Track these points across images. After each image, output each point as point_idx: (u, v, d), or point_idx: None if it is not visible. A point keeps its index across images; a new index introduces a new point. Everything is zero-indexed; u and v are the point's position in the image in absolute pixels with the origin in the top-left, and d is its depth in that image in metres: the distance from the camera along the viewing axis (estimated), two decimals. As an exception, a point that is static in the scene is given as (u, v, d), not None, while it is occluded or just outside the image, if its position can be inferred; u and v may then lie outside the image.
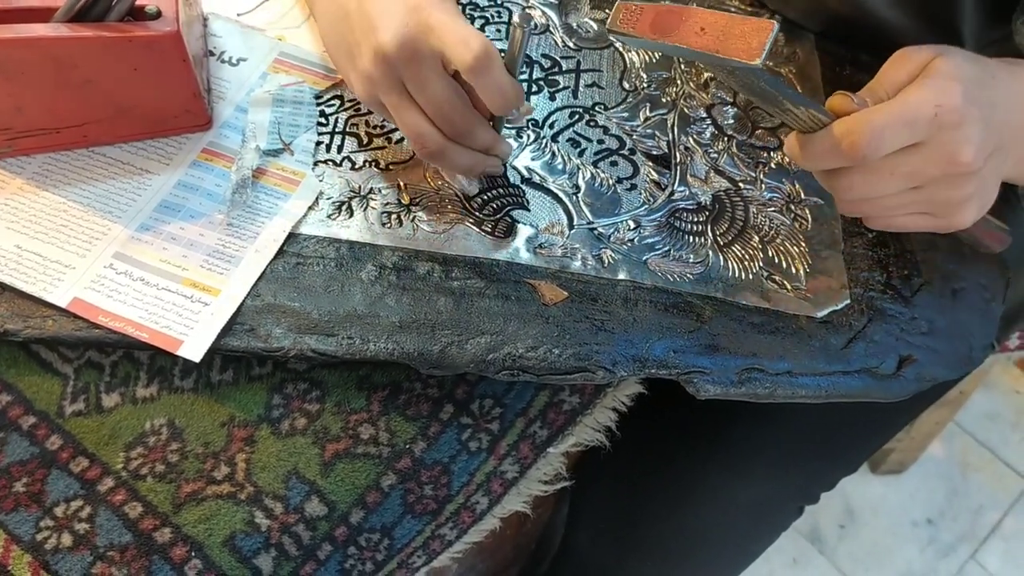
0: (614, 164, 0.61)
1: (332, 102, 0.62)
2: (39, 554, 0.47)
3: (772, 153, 0.63)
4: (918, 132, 0.46)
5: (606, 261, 0.56)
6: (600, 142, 0.62)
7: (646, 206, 0.59)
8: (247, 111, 0.60)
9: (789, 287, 0.57)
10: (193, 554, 0.48)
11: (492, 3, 0.68)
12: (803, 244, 0.59)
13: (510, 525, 0.91)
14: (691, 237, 0.58)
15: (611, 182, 0.60)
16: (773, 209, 0.60)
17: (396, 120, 0.53)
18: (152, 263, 0.54)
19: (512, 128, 0.61)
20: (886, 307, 0.57)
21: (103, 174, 0.57)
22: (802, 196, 0.61)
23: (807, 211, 0.61)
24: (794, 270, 0.58)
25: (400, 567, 0.54)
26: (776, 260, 0.58)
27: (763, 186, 0.61)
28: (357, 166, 0.59)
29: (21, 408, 0.51)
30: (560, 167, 0.60)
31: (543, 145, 0.61)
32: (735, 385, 0.53)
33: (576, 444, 0.59)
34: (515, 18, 0.51)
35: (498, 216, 0.57)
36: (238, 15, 0.66)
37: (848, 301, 0.57)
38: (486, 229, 0.57)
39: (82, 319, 0.51)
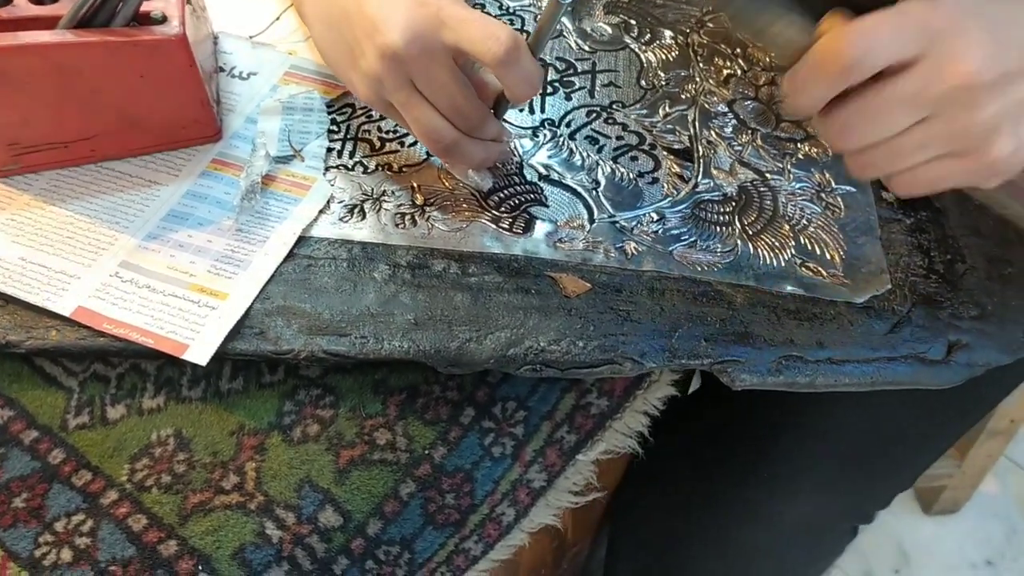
0: (634, 159, 0.59)
1: (344, 110, 0.61)
2: (37, 571, 0.44)
3: (799, 144, 0.61)
4: (908, 40, 0.41)
5: (630, 253, 0.53)
6: (619, 138, 0.60)
7: (669, 199, 0.57)
8: (257, 121, 0.59)
9: (825, 274, 0.54)
10: (200, 567, 0.45)
11: (503, 12, 0.68)
12: (837, 232, 0.56)
13: (545, 564, 0.87)
14: (718, 227, 0.55)
15: (632, 176, 0.58)
16: (803, 198, 0.58)
17: (406, 118, 0.52)
18: (159, 270, 0.52)
19: (527, 129, 0.60)
20: (931, 291, 0.54)
21: (111, 187, 0.56)
22: (833, 185, 0.59)
23: (839, 199, 0.58)
24: (829, 256, 0.55)
25: (423, 584, 0.51)
26: (809, 247, 0.55)
27: (791, 176, 0.59)
28: (369, 170, 0.57)
29: (23, 423, 0.49)
30: (578, 164, 0.58)
31: (560, 143, 0.59)
32: (772, 374, 0.49)
33: (607, 451, 0.55)
34: None
35: (516, 213, 0.55)
36: (250, 37, 0.65)
37: (889, 286, 0.54)
38: (503, 226, 0.54)
39: (86, 327, 0.49)
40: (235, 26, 0.66)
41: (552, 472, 0.53)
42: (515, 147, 0.58)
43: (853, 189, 0.59)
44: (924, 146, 0.44)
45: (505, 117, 0.60)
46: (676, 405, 0.78)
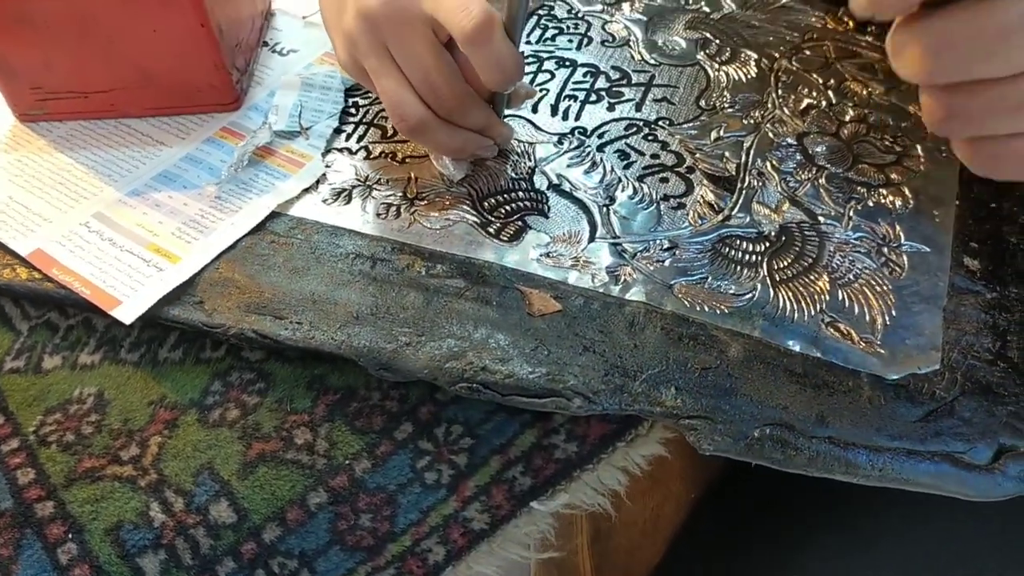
0: (664, 181, 0.51)
1: (368, 94, 0.57)
2: (-88, 505, 0.43)
3: (874, 191, 0.51)
4: None
5: (622, 279, 0.46)
6: (654, 156, 0.53)
7: (690, 227, 0.49)
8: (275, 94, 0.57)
9: (856, 338, 0.44)
10: (71, 536, 0.42)
11: (570, 16, 0.62)
12: (889, 292, 0.46)
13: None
14: (740, 267, 0.47)
15: (655, 197, 0.50)
16: (858, 250, 0.48)
17: (376, 87, 0.47)
18: (126, 226, 0.50)
19: (553, 135, 0.54)
20: (993, 381, 0.43)
21: (120, 142, 0.55)
22: (902, 240, 0.49)
23: (904, 258, 0.48)
24: (869, 319, 0.45)
25: (322, 611, 0.45)
26: (847, 305, 0.45)
27: (850, 224, 0.49)
28: (372, 156, 0.53)
29: (-36, 357, 0.48)
30: (597, 177, 0.51)
31: (585, 153, 0.53)
32: (752, 444, 0.40)
33: (571, 506, 0.47)
34: None
35: (508, 220, 0.49)
36: (303, 17, 0.63)
37: (937, 366, 0.43)
38: (490, 231, 0.49)
39: (38, 271, 0.48)
40: (296, 5, 0.64)
41: (498, 515, 0.46)
42: (530, 152, 0.52)
43: (927, 249, 0.48)
44: None
45: (535, 121, 0.55)
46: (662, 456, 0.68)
